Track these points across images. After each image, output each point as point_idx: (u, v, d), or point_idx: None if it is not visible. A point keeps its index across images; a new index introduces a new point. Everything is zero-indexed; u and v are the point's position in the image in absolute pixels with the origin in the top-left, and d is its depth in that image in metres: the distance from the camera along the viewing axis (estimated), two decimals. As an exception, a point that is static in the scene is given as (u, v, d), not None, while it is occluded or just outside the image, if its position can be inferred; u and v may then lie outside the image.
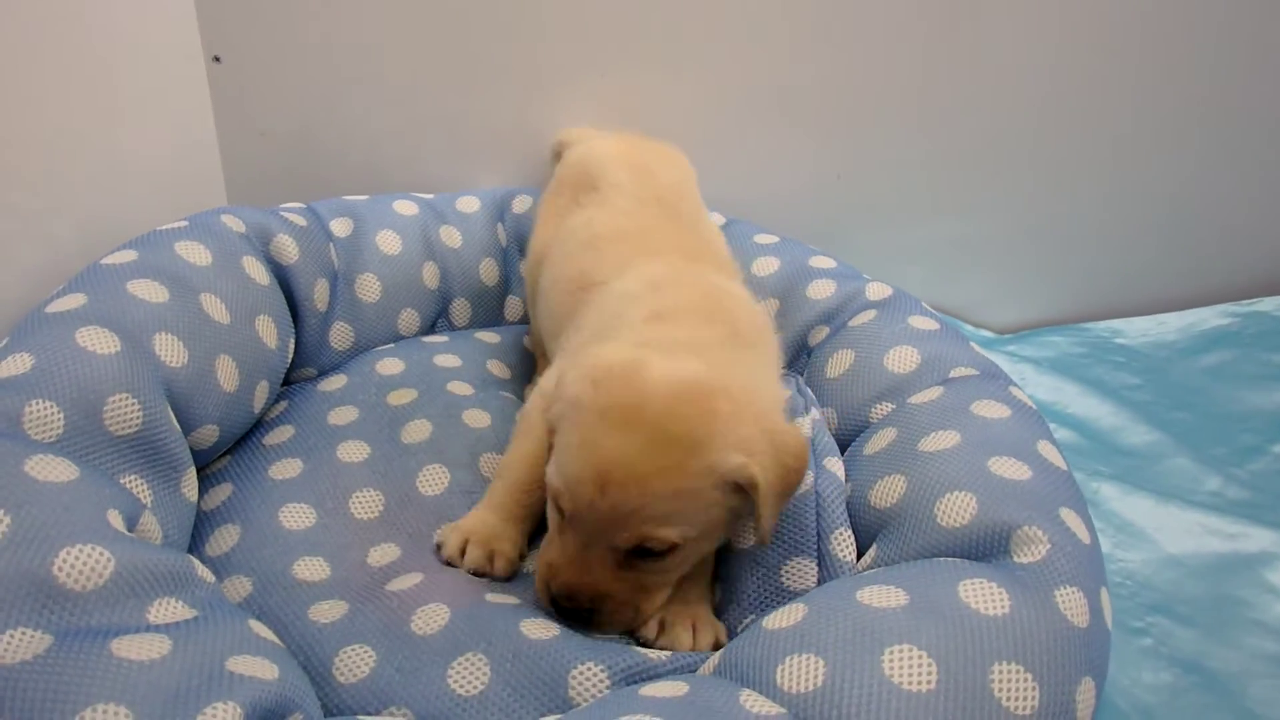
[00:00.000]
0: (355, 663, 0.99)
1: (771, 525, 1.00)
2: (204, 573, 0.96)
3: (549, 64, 1.84)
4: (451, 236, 1.72)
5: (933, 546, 1.02)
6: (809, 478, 1.14)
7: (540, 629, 1.01)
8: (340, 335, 1.55)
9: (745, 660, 0.90)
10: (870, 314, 1.47)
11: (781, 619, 0.93)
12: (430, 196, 1.77)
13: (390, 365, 1.49)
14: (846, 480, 1.20)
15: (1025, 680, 0.82)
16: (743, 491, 0.97)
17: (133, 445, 1.07)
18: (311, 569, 1.13)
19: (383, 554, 1.17)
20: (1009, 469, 1.07)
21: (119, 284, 1.19)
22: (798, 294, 1.57)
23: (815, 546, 1.10)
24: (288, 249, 1.47)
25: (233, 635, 0.88)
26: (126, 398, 1.07)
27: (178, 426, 1.15)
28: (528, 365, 1.64)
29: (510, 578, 1.15)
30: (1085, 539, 1.01)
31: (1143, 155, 2.01)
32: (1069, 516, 1.02)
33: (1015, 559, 0.97)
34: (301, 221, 1.53)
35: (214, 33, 1.72)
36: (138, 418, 1.08)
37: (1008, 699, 0.81)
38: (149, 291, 1.20)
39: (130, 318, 1.15)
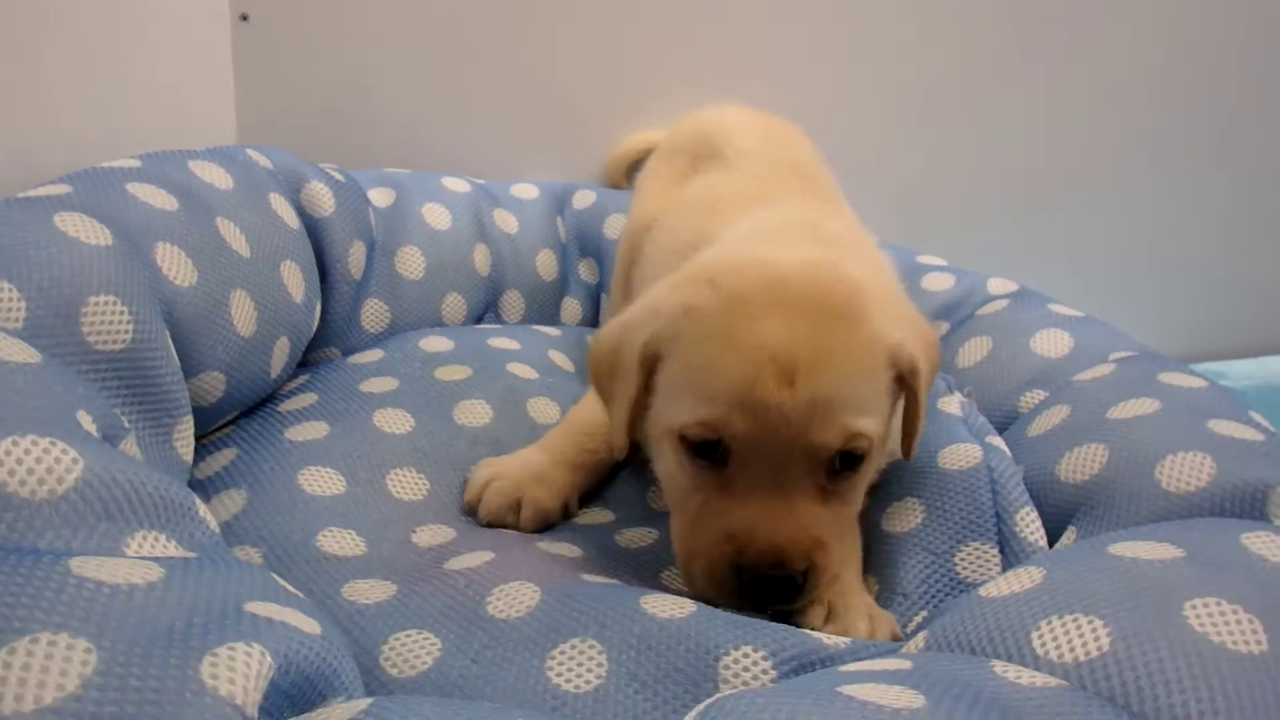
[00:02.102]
0: (413, 651, 0.69)
1: (922, 429, 0.84)
2: (206, 514, 0.67)
3: (615, 51, 1.63)
4: (507, 221, 1.47)
5: (1161, 515, 0.80)
6: (975, 450, 0.91)
7: (670, 607, 0.71)
8: (375, 314, 1.28)
9: (973, 632, 0.63)
10: (1002, 303, 1.25)
11: (1007, 585, 0.67)
12: (481, 181, 1.52)
13: (436, 343, 1.21)
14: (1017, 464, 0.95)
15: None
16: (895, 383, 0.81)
17: (116, 367, 0.79)
18: (341, 542, 0.84)
19: (433, 535, 0.88)
20: (1236, 430, 0.84)
21: (118, 183, 0.93)
22: (912, 287, 1.32)
23: (995, 529, 0.87)
24: (322, 199, 1.21)
25: (252, 580, 0.59)
26: (113, 302, 0.80)
27: (177, 360, 0.87)
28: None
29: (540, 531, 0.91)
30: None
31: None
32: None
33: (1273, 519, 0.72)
34: (339, 177, 1.28)
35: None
36: (125, 331, 0.80)
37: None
38: (154, 197, 0.94)
39: (129, 217, 0.89)
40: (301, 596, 0.61)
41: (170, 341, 0.86)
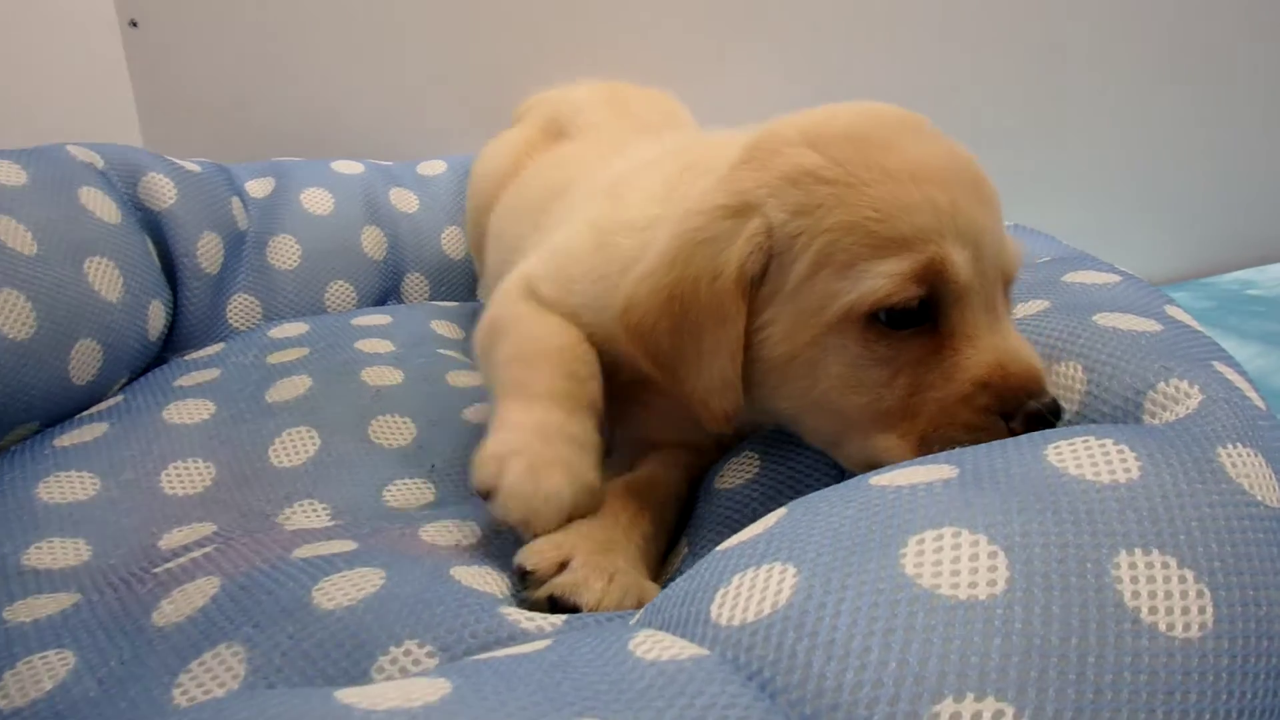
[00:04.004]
0: (37, 675, 0.58)
1: None
2: None
3: (525, 20, 1.51)
4: (405, 200, 1.36)
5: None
6: None
7: (351, 590, 0.58)
8: (243, 309, 1.18)
9: (674, 598, 0.47)
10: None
11: (750, 531, 0.51)
12: (388, 163, 1.42)
13: (290, 329, 1.11)
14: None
15: (1180, 581, 0.38)
16: None
17: None
18: (57, 554, 0.73)
19: (187, 535, 0.77)
20: (1126, 322, 0.64)
21: None
22: None
23: None
24: (160, 191, 1.12)
25: None
26: None
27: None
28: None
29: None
30: (1260, 403, 0.55)
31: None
32: (1227, 372, 0.57)
33: (1148, 421, 0.52)
34: (194, 168, 1.19)
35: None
36: None
37: (1149, 611, 0.36)
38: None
39: None
40: None
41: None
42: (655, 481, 0.72)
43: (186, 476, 0.84)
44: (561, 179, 0.99)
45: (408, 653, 0.53)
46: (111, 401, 0.97)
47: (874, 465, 0.57)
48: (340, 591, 0.58)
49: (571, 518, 0.64)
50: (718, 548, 0.48)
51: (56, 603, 0.66)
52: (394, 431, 0.89)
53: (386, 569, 0.59)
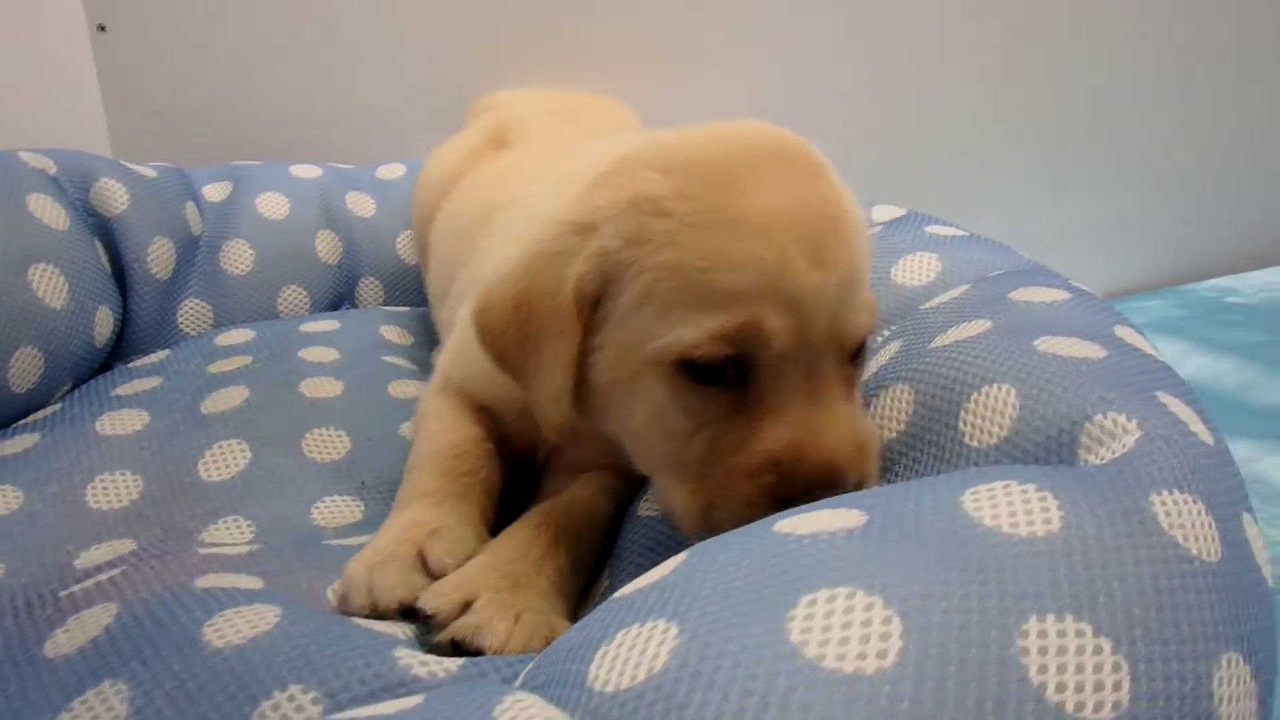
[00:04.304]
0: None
1: None
2: None
3: (481, 21, 1.47)
4: (361, 204, 1.32)
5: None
6: None
7: (243, 627, 0.54)
8: (194, 315, 1.15)
9: (561, 651, 0.44)
10: (876, 230, 1.01)
11: (647, 577, 0.47)
12: (347, 166, 1.39)
13: (236, 335, 1.08)
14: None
15: (1095, 652, 0.34)
16: None
17: None
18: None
19: (103, 553, 0.73)
20: (1068, 348, 0.59)
21: None
22: None
23: None
24: (113, 196, 1.08)
25: None
26: None
27: None
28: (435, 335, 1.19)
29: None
30: (1207, 438, 0.51)
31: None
32: (1173, 403, 0.53)
33: (1082, 461, 0.48)
34: (149, 174, 1.15)
35: (98, -2, 1.41)
36: None
37: (1057, 689, 0.33)
38: None
39: None
40: None
41: None
42: (575, 505, 0.68)
43: (113, 490, 0.80)
44: (490, 200, 0.95)
45: (291, 698, 0.49)
46: (48, 410, 0.94)
47: (672, 514, 0.58)
48: (232, 628, 0.54)
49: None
50: (614, 594, 0.44)
51: (-50, 628, 0.62)
52: (328, 445, 0.86)
53: (284, 607, 0.56)
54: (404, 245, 1.32)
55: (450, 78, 1.50)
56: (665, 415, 0.58)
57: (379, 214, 1.32)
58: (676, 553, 0.48)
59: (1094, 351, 0.58)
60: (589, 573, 0.66)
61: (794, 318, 0.55)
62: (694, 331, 0.55)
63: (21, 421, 0.92)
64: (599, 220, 0.59)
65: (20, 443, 0.86)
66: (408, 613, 0.58)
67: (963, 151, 1.58)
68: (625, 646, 0.37)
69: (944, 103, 1.57)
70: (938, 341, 0.69)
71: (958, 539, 0.38)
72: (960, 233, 0.95)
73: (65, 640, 0.58)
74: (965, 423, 0.58)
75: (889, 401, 0.66)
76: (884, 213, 1.04)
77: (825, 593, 0.36)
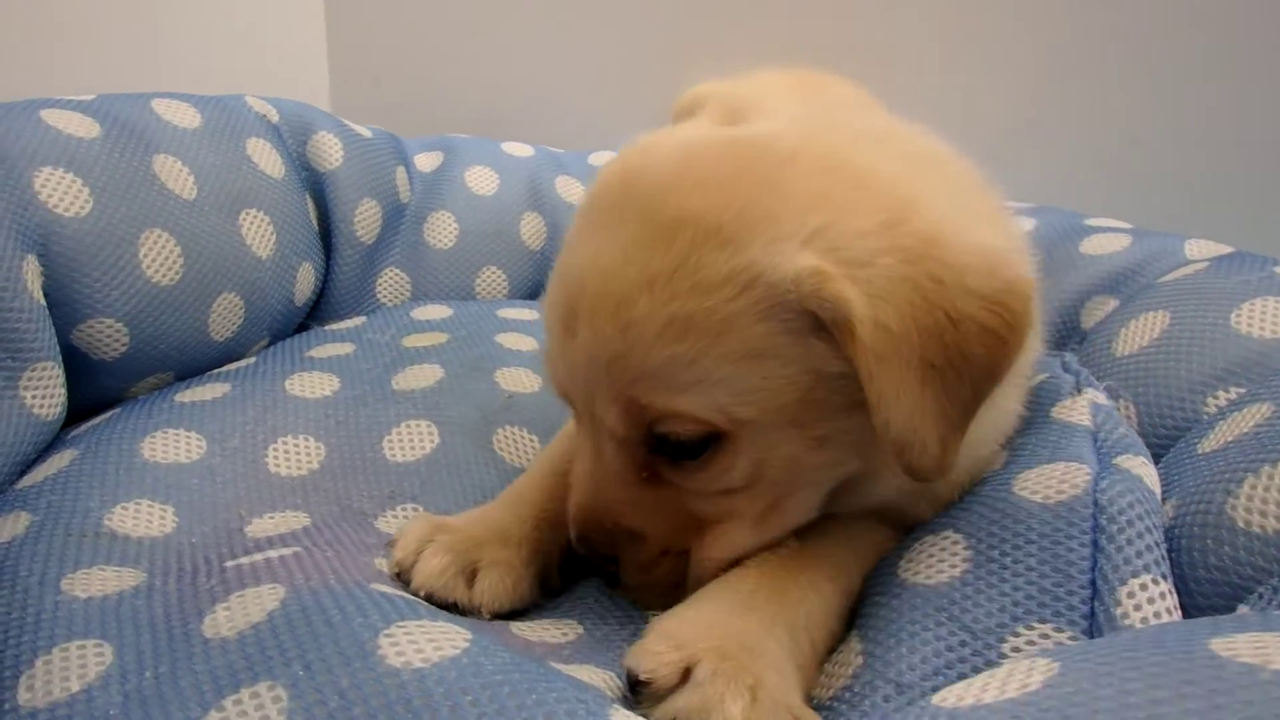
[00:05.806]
0: (67, 669, 0.49)
1: (904, 422, 0.48)
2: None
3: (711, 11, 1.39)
4: (571, 189, 1.26)
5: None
6: (1079, 474, 0.56)
7: (428, 646, 0.46)
8: (392, 284, 1.11)
9: None
10: (1198, 267, 0.85)
11: (980, 690, 0.38)
12: (560, 151, 1.33)
13: (433, 311, 1.02)
14: (1166, 501, 0.59)
15: None
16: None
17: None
18: (139, 519, 0.65)
19: (279, 524, 0.68)
20: None
21: (35, 111, 0.80)
22: (1068, 255, 0.97)
23: (1086, 605, 0.50)
24: (329, 151, 1.05)
25: None
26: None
27: (36, 296, 0.73)
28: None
29: (511, 613, 0.60)
30: None
31: None
32: None
33: None
34: (365, 134, 1.12)
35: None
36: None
37: None
38: (71, 124, 0.81)
39: (19, 141, 0.76)
40: None
41: (29, 273, 0.73)
42: (816, 555, 0.58)
43: (294, 454, 0.75)
44: None
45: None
46: (243, 363, 0.90)
47: None
48: (413, 645, 0.46)
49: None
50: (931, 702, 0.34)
51: (119, 580, 0.58)
52: (519, 447, 0.79)
53: (473, 631, 0.48)
54: (608, 238, 1.25)
55: (667, 67, 1.42)
56: None
57: (586, 202, 1.25)
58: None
59: None
60: (838, 632, 0.56)
61: (552, 375, 0.58)
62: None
63: (216, 370, 0.89)
64: None
65: (210, 390, 0.82)
66: (632, 684, 0.49)
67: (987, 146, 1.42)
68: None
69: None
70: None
71: None
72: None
73: (225, 620, 0.52)
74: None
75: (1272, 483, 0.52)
76: (1201, 249, 0.90)
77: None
